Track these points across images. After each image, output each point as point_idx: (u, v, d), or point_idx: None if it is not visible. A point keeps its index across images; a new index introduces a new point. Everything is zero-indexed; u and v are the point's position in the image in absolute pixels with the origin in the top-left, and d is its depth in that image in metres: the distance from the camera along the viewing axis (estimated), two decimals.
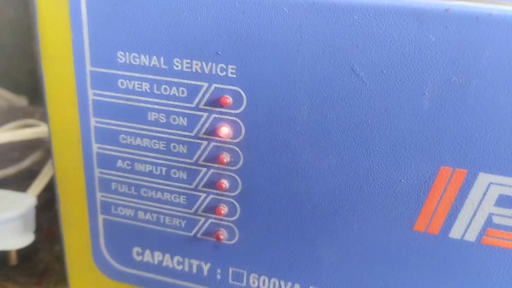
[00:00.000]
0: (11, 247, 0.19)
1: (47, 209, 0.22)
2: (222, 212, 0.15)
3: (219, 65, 0.13)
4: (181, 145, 0.14)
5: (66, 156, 0.16)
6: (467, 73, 0.11)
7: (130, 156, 0.15)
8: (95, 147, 0.15)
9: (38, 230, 0.21)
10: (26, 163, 0.24)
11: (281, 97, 0.13)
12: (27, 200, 0.20)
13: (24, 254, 0.20)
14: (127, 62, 0.14)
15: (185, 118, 0.14)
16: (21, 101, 0.36)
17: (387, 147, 0.12)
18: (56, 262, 0.20)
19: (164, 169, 0.15)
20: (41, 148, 0.25)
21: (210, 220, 0.15)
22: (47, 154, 0.24)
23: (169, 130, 0.14)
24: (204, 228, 0.15)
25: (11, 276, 0.20)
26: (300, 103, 0.13)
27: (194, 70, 0.13)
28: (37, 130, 0.23)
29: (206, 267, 0.16)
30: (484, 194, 0.12)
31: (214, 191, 0.15)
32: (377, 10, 0.11)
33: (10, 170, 0.24)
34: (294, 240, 0.14)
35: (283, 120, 0.13)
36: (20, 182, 0.23)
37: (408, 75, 0.12)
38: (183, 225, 0.15)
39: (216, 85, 0.13)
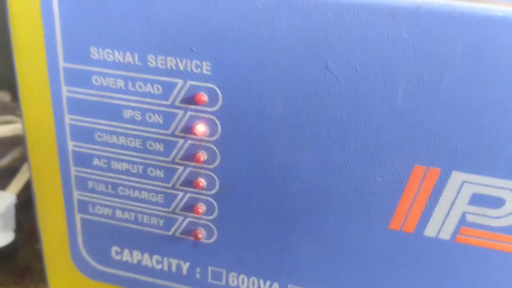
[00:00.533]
0: None
1: (27, 208, 0.22)
2: (200, 210, 0.15)
3: (194, 62, 0.13)
4: (157, 143, 0.14)
5: (42, 154, 0.15)
6: (439, 71, 0.11)
7: (106, 154, 0.15)
8: (70, 145, 0.15)
9: (19, 229, 0.21)
10: (5, 160, 0.24)
11: (256, 94, 0.13)
12: (6, 198, 0.20)
13: (4, 253, 0.20)
14: (101, 58, 0.13)
15: (161, 116, 0.14)
16: (3, 97, 0.36)
17: (361, 145, 0.12)
18: (37, 261, 0.20)
19: (141, 167, 0.15)
20: (21, 145, 0.24)
21: (188, 219, 0.15)
22: None
23: (145, 128, 0.14)
24: (182, 227, 0.15)
25: None
26: (275, 100, 0.13)
27: (168, 66, 0.13)
28: (16, 127, 0.23)
29: (185, 266, 0.16)
30: (458, 192, 0.12)
31: (192, 189, 0.15)
32: (351, 7, 0.11)
33: None
34: (272, 238, 0.14)
35: (258, 117, 0.13)
36: (0, 180, 0.23)
37: (381, 73, 0.12)
38: (161, 224, 0.15)
39: (191, 82, 0.13)
